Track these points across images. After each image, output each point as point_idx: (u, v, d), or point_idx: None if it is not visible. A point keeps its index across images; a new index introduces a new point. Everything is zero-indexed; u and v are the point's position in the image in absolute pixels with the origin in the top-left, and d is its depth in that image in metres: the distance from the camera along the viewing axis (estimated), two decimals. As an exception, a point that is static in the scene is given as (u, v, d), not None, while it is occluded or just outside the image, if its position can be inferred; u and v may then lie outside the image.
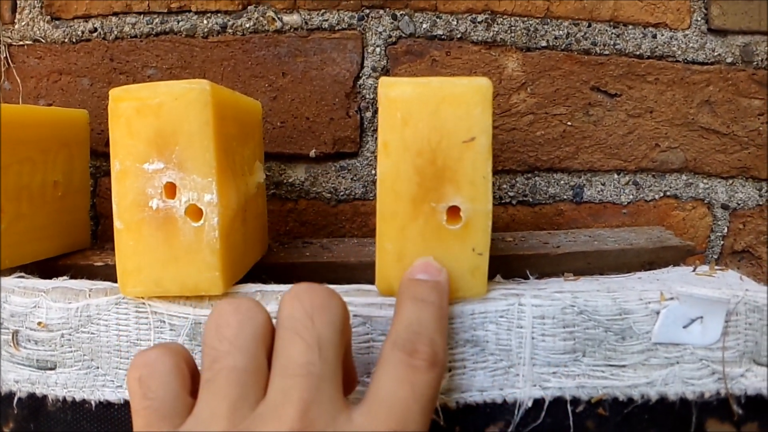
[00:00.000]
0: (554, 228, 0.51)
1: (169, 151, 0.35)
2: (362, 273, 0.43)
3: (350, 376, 0.31)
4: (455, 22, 0.48)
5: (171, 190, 0.35)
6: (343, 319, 0.28)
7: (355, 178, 0.50)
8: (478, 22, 0.48)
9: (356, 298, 0.35)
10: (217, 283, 0.35)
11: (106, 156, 0.51)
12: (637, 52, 0.49)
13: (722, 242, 0.52)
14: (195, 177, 0.34)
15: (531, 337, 0.35)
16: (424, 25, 0.48)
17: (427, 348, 0.28)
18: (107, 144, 0.50)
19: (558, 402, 0.35)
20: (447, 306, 0.32)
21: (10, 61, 0.50)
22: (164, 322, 0.36)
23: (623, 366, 0.36)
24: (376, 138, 0.50)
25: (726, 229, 0.51)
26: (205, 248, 0.35)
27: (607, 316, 0.35)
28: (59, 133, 0.46)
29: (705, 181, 0.51)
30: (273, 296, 0.36)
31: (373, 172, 0.50)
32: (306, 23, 0.48)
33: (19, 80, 0.50)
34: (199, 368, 0.29)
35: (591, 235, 0.48)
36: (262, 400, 0.26)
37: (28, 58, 0.50)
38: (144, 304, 0.36)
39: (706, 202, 0.51)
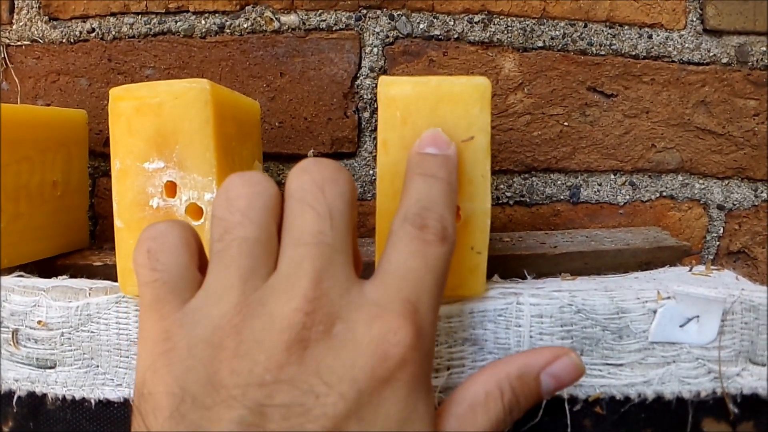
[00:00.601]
0: (551, 228, 0.51)
1: (170, 150, 0.35)
2: (362, 273, 0.43)
3: (357, 259, 0.30)
4: (452, 23, 0.48)
5: (171, 189, 0.35)
6: (352, 193, 0.27)
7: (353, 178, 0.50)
8: (475, 23, 0.48)
9: (355, 297, 0.35)
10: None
11: (104, 156, 0.51)
12: (633, 53, 0.49)
13: (718, 243, 0.52)
14: (195, 176, 0.35)
15: (529, 336, 0.35)
16: (421, 26, 0.48)
17: (437, 223, 0.28)
18: (105, 144, 0.50)
19: (555, 401, 0.36)
20: (456, 181, 0.31)
21: (8, 61, 0.50)
22: (164, 321, 0.36)
23: (620, 365, 0.36)
24: (374, 138, 0.50)
25: (722, 229, 0.52)
26: (205, 248, 0.35)
27: (605, 315, 0.36)
28: (58, 133, 0.46)
29: (701, 181, 0.51)
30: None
31: (372, 172, 0.50)
32: (303, 23, 0.48)
33: (17, 80, 0.50)
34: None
35: (588, 235, 0.48)
36: (274, 272, 0.25)
37: (26, 58, 0.50)
38: (143, 303, 0.36)
39: (702, 202, 0.51)
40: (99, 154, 0.50)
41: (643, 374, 0.36)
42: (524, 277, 0.40)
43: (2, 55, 0.49)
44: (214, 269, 0.26)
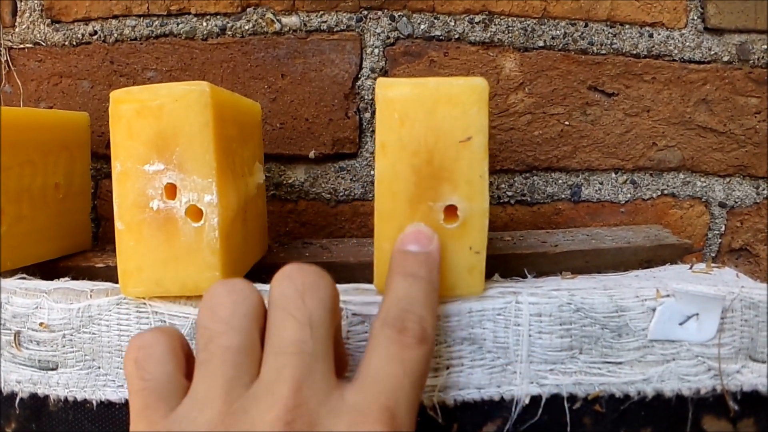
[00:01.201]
0: (552, 227, 0.51)
1: (170, 152, 0.35)
2: (361, 273, 0.44)
3: (341, 359, 0.31)
4: (453, 23, 0.49)
5: (171, 191, 0.35)
6: (334, 299, 0.28)
7: (354, 179, 0.50)
8: (476, 23, 0.48)
9: (355, 296, 0.36)
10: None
11: (106, 158, 0.51)
12: (634, 52, 0.49)
13: (720, 240, 0.52)
14: (195, 178, 0.35)
15: (528, 335, 0.35)
16: (422, 26, 0.49)
17: (415, 325, 0.29)
18: (108, 146, 0.51)
19: (555, 399, 0.36)
20: (437, 278, 0.32)
21: (10, 64, 0.50)
22: (165, 322, 0.36)
23: (620, 363, 0.36)
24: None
25: (723, 227, 0.52)
26: (205, 248, 0.35)
27: (604, 314, 0.36)
28: (60, 136, 0.46)
29: (702, 179, 0.51)
30: (272, 295, 0.36)
31: (372, 172, 0.50)
32: (305, 25, 0.49)
33: (19, 83, 0.50)
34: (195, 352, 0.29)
35: (589, 234, 0.48)
36: (257, 380, 0.26)
37: (28, 61, 0.50)
38: (145, 304, 0.36)
39: (703, 200, 0.51)
40: (101, 156, 0.51)
41: (643, 372, 0.36)
42: (525, 276, 0.40)
43: (5, 58, 0.50)
44: (200, 377, 0.27)
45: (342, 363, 0.31)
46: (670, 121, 0.50)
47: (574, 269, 0.44)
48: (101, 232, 0.51)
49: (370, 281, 0.40)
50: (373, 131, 0.50)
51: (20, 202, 0.43)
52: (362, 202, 0.50)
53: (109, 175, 0.51)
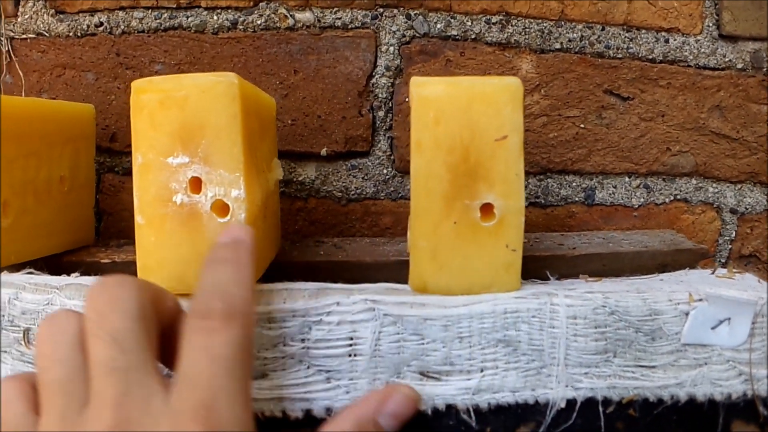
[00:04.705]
0: (565, 230, 0.51)
1: (195, 144, 0.34)
2: (377, 272, 0.43)
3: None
4: (470, 23, 0.48)
5: (196, 184, 0.34)
6: (141, 305, 0.27)
7: (366, 178, 0.49)
8: (493, 23, 0.48)
9: (387, 296, 0.34)
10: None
11: (110, 152, 0.49)
12: (650, 56, 0.49)
13: (730, 246, 0.52)
14: (222, 172, 0.33)
15: (565, 338, 0.35)
16: (439, 25, 0.48)
17: (220, 303, 0.27)
18: (112, 140, 0.49)
19: (589, 403, 0.35)
20: (248, 259, 0.30)
21: (12, 54, 0.48)
22: (186, 321, 0.34)
23: (653, 367, 0.36)
24: (389, 137, 0.49)
25: (734, 233, 0.52)
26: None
27: (638, 317, 0.35)
28: (65, 128, 0.44)
29: (714, 185, 0.51)
30: (299, 294, 0.35)
31: (385, 171, 0.49)
32: (319, 21, 0.48)
33: (21, 74, 0.48)
34: None
35: (604, 237, 0.47)
36: (87, 404, 0.26)
37: (31, 51, 0.48)
38: (165, 302, 0.34)
39: (715, 206, 0.51)
40: (105, 150, 0.49)
41: (676, 376, 0.36)
42: (544, 278, 0.40)
43: (6, 48, 0.48)
44: (41, 414, 0.27)
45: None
46: (684, 126, 0.50)
47: (591, 272, 0.44)
48: (102, 227, 0.49)
49: (386, 281, 0.39)
50: (387, 130, 0.49)
51: (25, 195, 0.41)
52: (374, 201, 0.49)
53: (112, 169, 0.49)
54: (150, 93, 0.34)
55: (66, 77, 0.48)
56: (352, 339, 0.34)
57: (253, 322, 0.28)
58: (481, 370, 0.34)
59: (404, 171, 0.49)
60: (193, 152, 0.33)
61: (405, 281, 0.41)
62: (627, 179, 0.51)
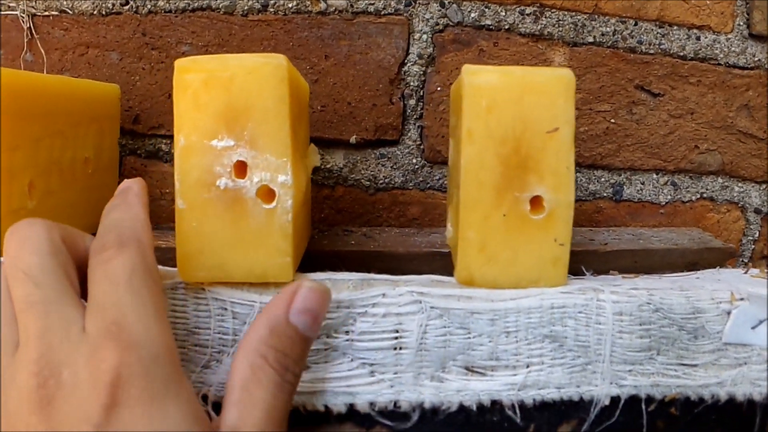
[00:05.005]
0: (593, 225, 0.50)
1: (240, 127, 0.33)
2: (409, 264, 0.42)
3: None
4: (503, 13, 0.47)
5: (241, 169, 0.33)
6: (50, 239, 0.28)
7: (395, 167, 0.48)
8: (527, 15, 0.47)
9: (433, 289, 0.34)
10: (287, 270, 0.33)
11: (132, 134, 0.48)
12: (681, 53, 0.49)
13: (753, 246, 0.52)
14: (268, 156, 0.32)
15: (611, 334, 0.34)
16: (473, 15, 0.47)
17: (111, 235, 0.29)
18: (135, 121, 0.48)
19: (632, 400, 0.35)
20: (136, 200, 0.32)
21: (33, 31, 0.46)
22: (226, 309, 0.33)
23: (695, 365, 0.35)
24: (419, 126, 0.48)
25: (757, 233, 0.52)
26: (276, 232, 0.33)
27: (682, 315, 0.35)
28: (91, 108, 0.43)
29: (740, 184, 0.51)
30: (344, 285, 0.34)
31: (414, 161, 0.49)
32: (351, 6, 0.47)
33: (43, 52, 0.46)
34: None
35: (633, 233, 0.47)
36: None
37: (53, 29, 0.46)
38: (204, 290, 0.33)
39: (740, 205, 0.52)
40: (127, 132, 0.48)
41: (717, 375, 0.36)
42: (578, 273, 0.40)
43: (27, 26, 0.46)
44: None
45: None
46: (713, 124, 0.50)
47: (621, 269, 0.43)
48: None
49: (418, 272, 0.38)
50: (417, 119, 0.48)
51: (50, 176, 0.40)
52: (402, 191, 0.49)
53: (134, 152, 0.48)
54: (194, 72, 0.33)
55: (89, 56, 0.47)
56: (397, 332, 0.33)
57: (146, 247, 0.29)
58: (527, 366, 0.34)
59: (433, 161, 0.48)
60: (238, 135, 0.32)
61: (437, 273, 0.41)
62: (655, 176, 0.50)
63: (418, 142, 0.48)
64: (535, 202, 0.34)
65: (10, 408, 0.26)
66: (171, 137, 0.48)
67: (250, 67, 0.32)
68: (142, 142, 0.48)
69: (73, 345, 0.26)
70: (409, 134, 0.48)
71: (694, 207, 0.51)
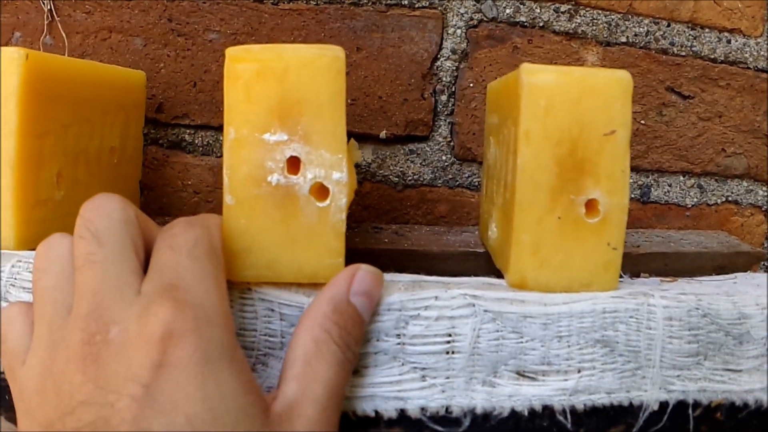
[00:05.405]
0: (619, 227, 0.50)
1: (294, 121, 0.31)
2: (443, 263, 0.42)
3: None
4: (538, 10, 0.47)
5: (295, 164, 0.32)
6: (124, 209, 0.28)
7: (424, 163, 0.48)
8: (561, 12, 0.47)
9: (485, 292, 0.33)
10: (338, 271, 0.32)
11: (155, 122, 0.46)
12: (712, 56, 0.49)
13: (773, 250, 0.53)
14: (323, 152, 0.31)
15: (661, 339, 0.34)
16: (507, 11, 0.46)
17: (181, 220, 0.29)
18: (158, 110, 0.46)
19: (679, 405, 0.35)
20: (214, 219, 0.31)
21: (54, 14, 0.44)
22: (273, 310, 0.32)
23: (740, 371, 0.35)
24: (449, 123, 0.48)
25: (778, 237, 0.52)
26: (329, 231, 0.32)
27: (728, 320, 0.35)
28: (117, 95, 0.41)
29: (764, 188, 0.51)
30: (394, 286, 0.33)
31: (444, 158, 0.48)
32: (385, -3, 0.46)
33: (64, 35, 0.44)
34: None
35: (662, 236, 0.47)
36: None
37: (75, 12, 0.45)
38: (250, 290, 0.32)
39: (764, 209, 0.52)
40: (149, 121, 0.46)
41: (761, 381, 0.36)
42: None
43: (48, 7, 0.44)
44: (34, 324, 0.28)
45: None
46: (740, 128, 0.50)
47: (652, 271, 0.43)
48: (142, 203, 0.46)
49: (454, 273, 0.38)
50: (448, 115, 0.47)
51: (77, 165, 0.38)
52: (430, 188, 0.48)
53: (156, 141, 0.47)
54: (246, 62, 0.31)
55: (112, 41, 0.45)
56: (450, 336, 0.33)
57: (214, 230, 0.29)
58: (579, 371, 0.34)
59: (463, 158, 0.48)
60: (292, 129, 0.31)
61: (471, 273, 0.40)
62: (682, 178, 0.50)
63: (449, 139, 0.48)
64: (590, 205, 0.33)
65: (56, 369, 0.25)
66: (195, 127, 0.47)
67: (305, 58, 0.31)
68: (164, 131, 0.47)
69: (126, 304, 0.26)
70: (440, 130, 0.47)
71: (719, 210, 0.51)
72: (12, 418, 0.33)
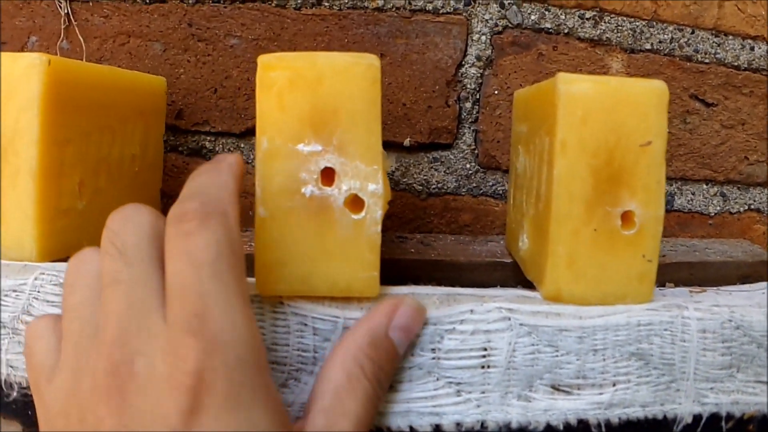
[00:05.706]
0: (641, 235, 0.50)
1: (329, 131, 0.31)
2: (470, 273, 0.41)
3: None
4: (563, 17, 0.46)
5: (329, 176, 0.31)
6: (152, 221, 0.27)
7: (448, 171, 0.47)
8: (586, 19, 0.46)
9: (521, 305, 0.33)
10: (373, 285, 0.31)
11: (174, 129, 0.46)
12: (735, 63, 0.49)
13: (795, 258, 0.52)
14: (359, 164, 0.31)
15: (695, 352, 0.34)
16: (533, 17, 0.46)
17: (195, 203, 0.26)
18: (178, 116, 0.45)
19: (712, 418, 0.34)
20: (228, 170, 0.29)
21: (71, 18, 0.44)
22: (306, 325, 0.32)
23: (771, 383, 0.35)
24: (474, 131, 0.47)
25: (800, 246, 0.52)
26: (364, 244, 0.31)
27: (761, 332, 0.35)
28: (138, 101, 0.41)
29: (786, 196, 0.51)
30: (429, 300, 0.33)
31: (468, 166, 0.47)
32: (409, 3, 0.45)
33: (81, 40, 0.44)
34: None
35: (687, 245, 0.47)
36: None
37: (92, 16, 0.44)
38: (282, 303, 0.32)
39: (785, 217, 0.52)
40: (169, 127, 0.45)
41: (792, 394, 0.35)
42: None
43: (65, 11, 0.43)
44: (62, 341, 0.27)
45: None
46: (763, 135, 0.50)
47: (677, 281, 0.43)
48: (162, 211, 0.45)
49: (481, 283, 0.37)
50: (472, 122, 0.47)
51: (98, 174, 0.38)
52: (454, 197, 0.47)
53: (175, 149, 0.46)
54: (279, 70, 0.31)
55: (130, 46, 0.44)
56: (486, 350, 0.32)
57: (233, 221, 0.26)
58: (614, 384, 0.33)
59: (487, 166, 0.47)
60: (326, 140, 0.31)
61: (497, 284, 0.40)
62: (705, 186, 0.50)
63: (473, 147, 0.47)
64: (626, 217, 0.33)
65: (81, 395, 0.25)
66: (215, 134, 0.46)
67: (340, 66, 0.31)
68: (184, 138, 0.46)
69: (151, 334, 0.24)
70: (464, 138, 0.47)
71: (742, 218, 0.51)
72: (12, 418, 0.32)
